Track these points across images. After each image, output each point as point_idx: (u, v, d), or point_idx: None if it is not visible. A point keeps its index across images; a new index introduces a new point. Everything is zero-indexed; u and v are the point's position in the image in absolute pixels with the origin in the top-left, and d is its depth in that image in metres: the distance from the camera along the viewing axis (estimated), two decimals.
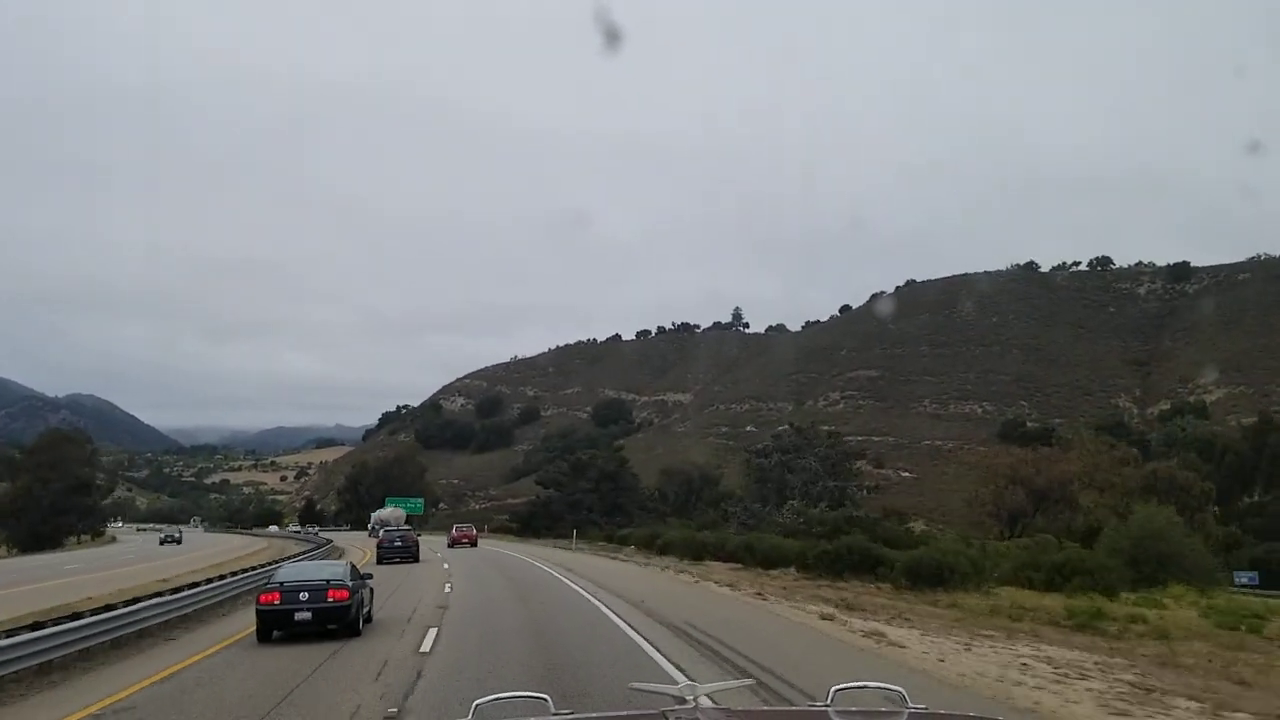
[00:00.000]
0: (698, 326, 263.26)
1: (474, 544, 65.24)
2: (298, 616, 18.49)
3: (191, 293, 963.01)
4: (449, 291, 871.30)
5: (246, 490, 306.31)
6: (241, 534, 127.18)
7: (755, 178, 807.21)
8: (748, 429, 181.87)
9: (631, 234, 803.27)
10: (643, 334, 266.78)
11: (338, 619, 18.66)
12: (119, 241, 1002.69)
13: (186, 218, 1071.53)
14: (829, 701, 3.12)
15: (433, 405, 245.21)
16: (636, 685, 4.27)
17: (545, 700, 3.26)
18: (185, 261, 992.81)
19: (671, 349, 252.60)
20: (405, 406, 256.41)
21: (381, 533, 60.40)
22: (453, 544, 64.30)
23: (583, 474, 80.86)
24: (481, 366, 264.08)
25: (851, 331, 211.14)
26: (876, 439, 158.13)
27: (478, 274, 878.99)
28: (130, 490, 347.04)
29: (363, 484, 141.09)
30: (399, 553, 47.81)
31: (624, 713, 3.34)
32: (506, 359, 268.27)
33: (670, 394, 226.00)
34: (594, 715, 3.52)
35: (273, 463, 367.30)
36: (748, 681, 5.03)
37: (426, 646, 17.13)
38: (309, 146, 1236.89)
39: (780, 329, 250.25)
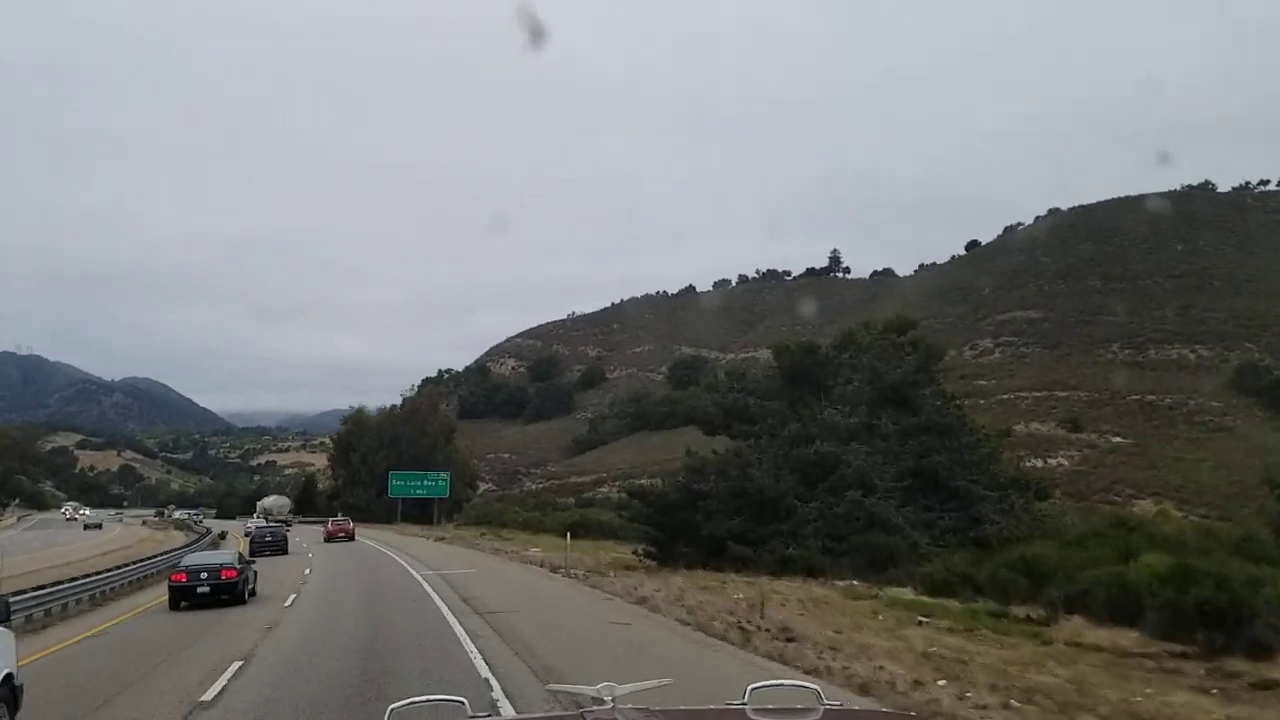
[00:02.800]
0: (788, 274, 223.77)
1: (351, 538, 63.70)
2: (199, 590, 24.79)
3: (241, 273, 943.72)
4: (502, 266, 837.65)
5: (288, 472, 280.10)
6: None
7: (833, 122, 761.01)
8: None
9: (693, 197, 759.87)
10: (722, 284, 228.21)
11: (229, 591, 25.03)
12: (165, 220, 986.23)
13: (228, 195, 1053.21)
14: (744, 700, 3.10)
15: (479, 368, 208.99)
16: (555, 686, 4.44)
17: (463, 703, 3.25)
18: (231, 240, 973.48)
19: (757, 300, 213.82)
20: (448, 371, 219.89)
21: (253, 528, 61.52)
22: (329, 538, 63.36)
23: (854, 404, 31.56)
24: (535, 324, 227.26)
25: (988, 270, 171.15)
26: (1061, 394, 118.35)
27: (532, 247, 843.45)
28: (169, 472, 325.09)
29: (357, 450, 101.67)
30: (269, 546, 49.61)
31: (542, 715, 3.51)
32: (563, 315, 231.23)
33: (762, 349, 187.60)
34: (512, 716, 3.63)
35: (322, 443, 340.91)
36: (666, 681, 4.26)
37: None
38: (346, 117, 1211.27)
39: (888, 274, 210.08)
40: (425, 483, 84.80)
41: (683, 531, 31.52)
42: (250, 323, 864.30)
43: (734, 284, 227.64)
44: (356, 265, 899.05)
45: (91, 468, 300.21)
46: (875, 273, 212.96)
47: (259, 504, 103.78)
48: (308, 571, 36.09)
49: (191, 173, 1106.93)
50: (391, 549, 50.37)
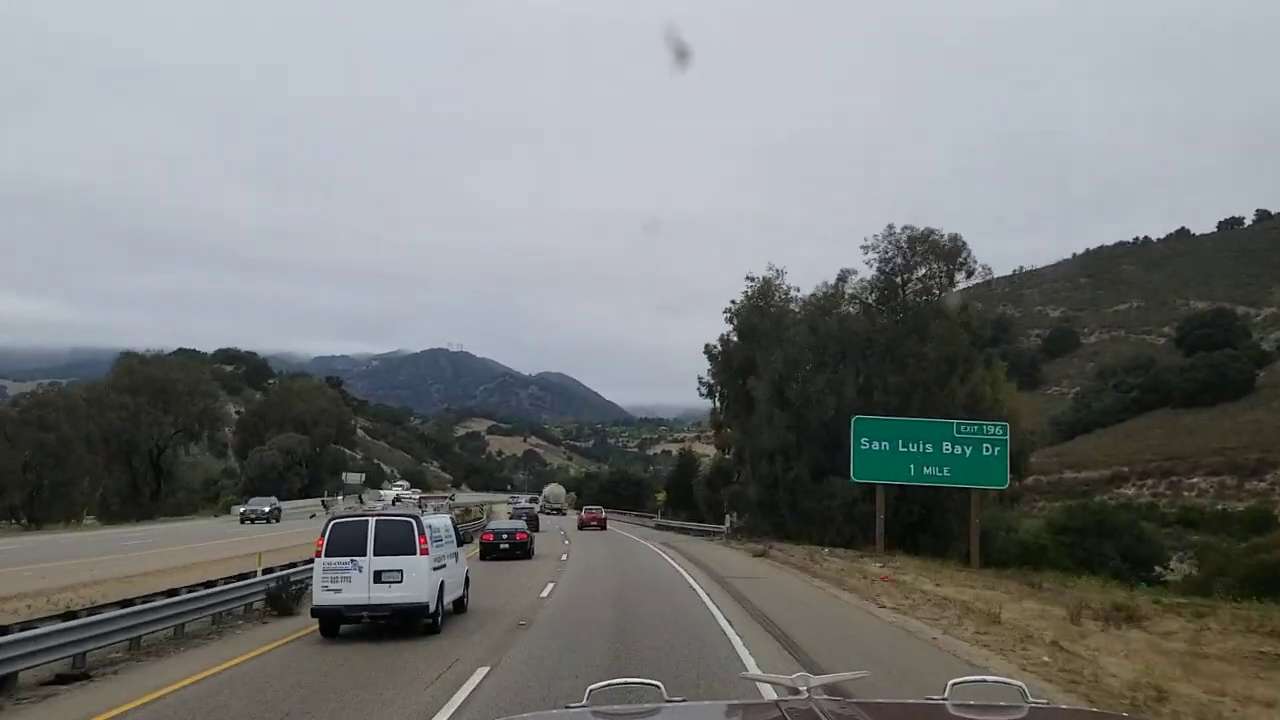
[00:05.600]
0: None
1: (602, 526, 66.99)
2: (501, 546, 37.22)
3: (640, 267, 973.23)
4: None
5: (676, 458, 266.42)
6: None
7: None
8: None
9: (1137, 141, 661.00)
10: (1230, 223, 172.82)
11: (522, 549, 37.51)
12: (566, 215, 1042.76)
13: (619, 186, 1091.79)
14: (945, 695, 3.04)
15: None
16: (749, 675, 4.68)
17: (659, 687, 3.28)
18: (630, 234, 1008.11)
19: None
20: None
21: (512, 509, 73.23)
22: (582, 525, 66.90)
23: None
24: (972, 283, 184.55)
25: None
26: None
27: (950, 213, 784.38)
28: (570, 459, 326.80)
29: (762, 376, 49.48)
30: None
31: (738, 702, 3.37)
32: (1008, 271, 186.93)
33: None
34: (707, 703, 3.59)
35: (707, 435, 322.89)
36: (863, 673, 4.59)
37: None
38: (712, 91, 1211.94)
39: None
40: (957, 445, 37.94)
41: None
42: (653, 316, 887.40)
43: (1248, 223, 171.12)
44: (736, 252, 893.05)
45: (499, 452, 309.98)
46: None
47: (543, 491, 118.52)
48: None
49: (592, 166, 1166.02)
50: None
